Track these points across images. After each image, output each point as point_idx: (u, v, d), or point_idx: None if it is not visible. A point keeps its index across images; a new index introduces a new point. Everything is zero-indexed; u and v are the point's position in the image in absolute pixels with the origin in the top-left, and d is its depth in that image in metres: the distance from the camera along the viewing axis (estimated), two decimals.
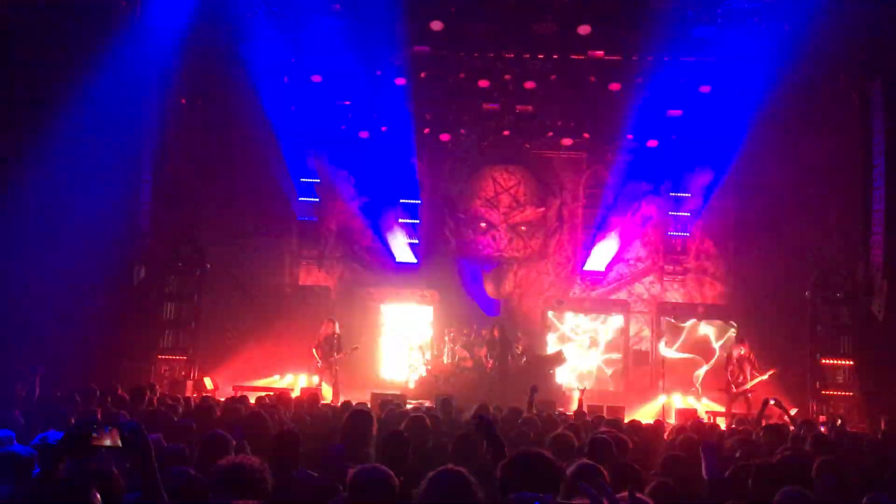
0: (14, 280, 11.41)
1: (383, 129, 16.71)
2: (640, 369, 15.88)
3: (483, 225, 17.22)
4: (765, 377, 12.12)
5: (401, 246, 17.25)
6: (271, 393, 10.26)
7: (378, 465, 3.28)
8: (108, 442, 2.89)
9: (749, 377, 12.22)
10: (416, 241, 17.25)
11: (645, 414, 13.02)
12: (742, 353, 12.41)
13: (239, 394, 11.00)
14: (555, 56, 15.34)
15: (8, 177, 11.55)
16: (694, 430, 7.41)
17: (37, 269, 11.70)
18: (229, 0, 13.85)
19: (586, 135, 16.48)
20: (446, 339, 15.23)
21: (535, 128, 16.61)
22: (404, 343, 15.87)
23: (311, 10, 14.18)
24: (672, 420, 11.99)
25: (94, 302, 11.97)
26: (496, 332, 14.19)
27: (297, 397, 10.33)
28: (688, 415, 11.52)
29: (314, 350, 13.45)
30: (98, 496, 2.93)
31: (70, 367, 10.58)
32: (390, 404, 9.18)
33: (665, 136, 16.42)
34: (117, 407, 7.36)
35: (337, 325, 13.75)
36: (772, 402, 8.75)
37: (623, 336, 16.10)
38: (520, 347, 14.72)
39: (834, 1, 12.63)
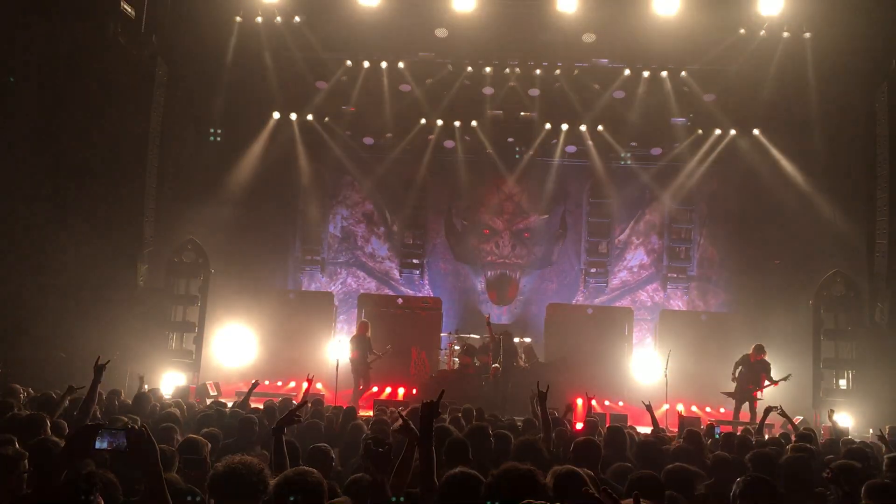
0: (19, 284, 11.47)
1: (388, 135, 16.76)
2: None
3: (487, 232, 17.24)
4: (782, 379, 11.88)
5: (404, 252, 17.27)
6: (276, 398, 10.25)
7: (305, 468, 3.20)
8: (113, 445, 2.90)
9: (761, 382, 12.12)
10: (420, 248, 17.27)
11: (647, 422, 12.95)
12: (760, 360, 12.25)
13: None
14: (559, 64, 15.40)
15: (13, 181, 11.62)
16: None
17: (41, 272, 11.76)
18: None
19: (590, 142, 16.48)
20: (450, 345, 15.22)
21: (540, 135, 16.62)
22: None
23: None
24: (675, 428, 11.93)
25: (99, 305, 12.01)
26: (499, 339, 14.16)
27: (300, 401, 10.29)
28: (691, 423, 11.43)
29: (350, 344, 13.11)
30: (101, 500, 2.94)
31: (75, 370, 10.62)
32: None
33: (669, 144, 16.45)
34: (122, 411, 7.37)
35: (369, 328, 13.48)
36: (776, 410, 8.67)
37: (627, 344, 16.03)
38: (523, 354, 14.69)
39: (838, 8, 12.66)
